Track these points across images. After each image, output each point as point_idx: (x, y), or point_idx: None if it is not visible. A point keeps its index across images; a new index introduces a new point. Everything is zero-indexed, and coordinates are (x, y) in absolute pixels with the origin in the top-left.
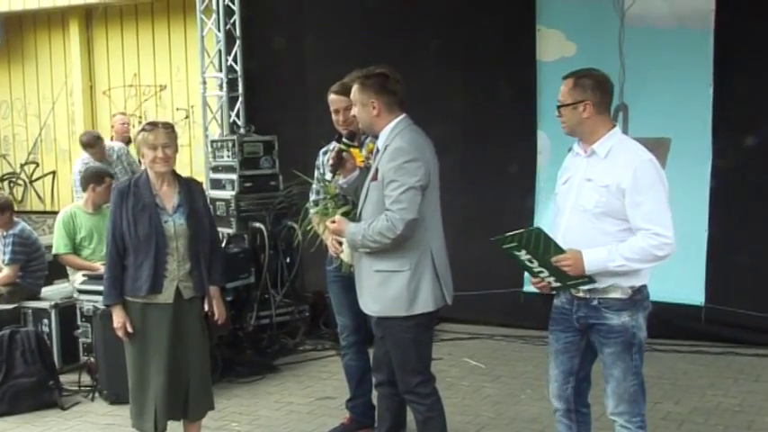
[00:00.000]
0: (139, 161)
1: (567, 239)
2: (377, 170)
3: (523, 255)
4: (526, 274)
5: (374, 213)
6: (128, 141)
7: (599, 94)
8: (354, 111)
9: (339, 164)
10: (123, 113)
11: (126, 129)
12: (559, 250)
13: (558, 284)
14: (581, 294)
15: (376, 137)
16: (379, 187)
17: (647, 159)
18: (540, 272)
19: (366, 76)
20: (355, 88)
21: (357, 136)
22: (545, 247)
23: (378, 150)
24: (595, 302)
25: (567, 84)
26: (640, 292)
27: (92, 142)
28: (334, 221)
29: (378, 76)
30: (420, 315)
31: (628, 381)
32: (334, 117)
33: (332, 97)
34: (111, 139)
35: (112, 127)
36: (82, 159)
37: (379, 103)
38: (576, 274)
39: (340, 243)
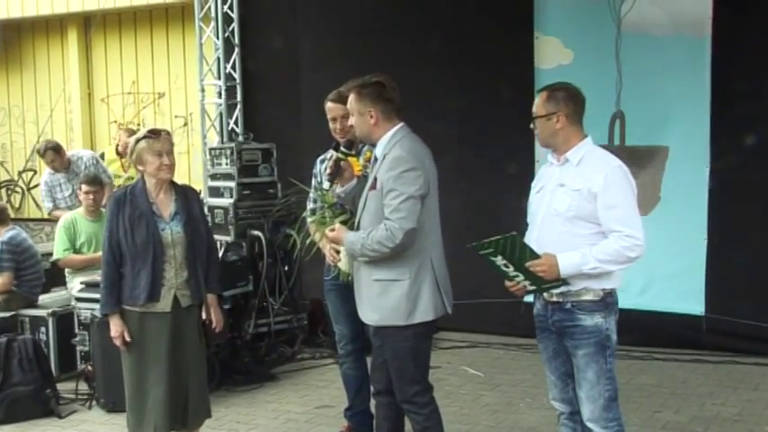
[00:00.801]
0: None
1: (540, 243)
2: (375, 179)
3: (500, 260)
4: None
5: (373, 222)
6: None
7: (571, 105)
8: (352, 120)
9: (337, 172)
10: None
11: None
12: (535, 255)
13: (534, 288)
14: (555, 299)
15: (373, 146)
16: (378, 196)
17: (617, 165)
18: (516, 276)
19: (363, 86)
20: (352, 97)
21: (355, 144)
22: (521, 252)
23: (376, 159)
24: (569, 305)
25: (541, 96)
26: (611, 294)
27: (41, 152)
28: (332, 230)
29: (374, 85)
30: (419, 324)
31: (602, 384)
32: (331, 125)
33: (329, 105)
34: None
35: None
36: (48, 170)
37: (376, 112)
38: (550, 278)
39: (338, 252)
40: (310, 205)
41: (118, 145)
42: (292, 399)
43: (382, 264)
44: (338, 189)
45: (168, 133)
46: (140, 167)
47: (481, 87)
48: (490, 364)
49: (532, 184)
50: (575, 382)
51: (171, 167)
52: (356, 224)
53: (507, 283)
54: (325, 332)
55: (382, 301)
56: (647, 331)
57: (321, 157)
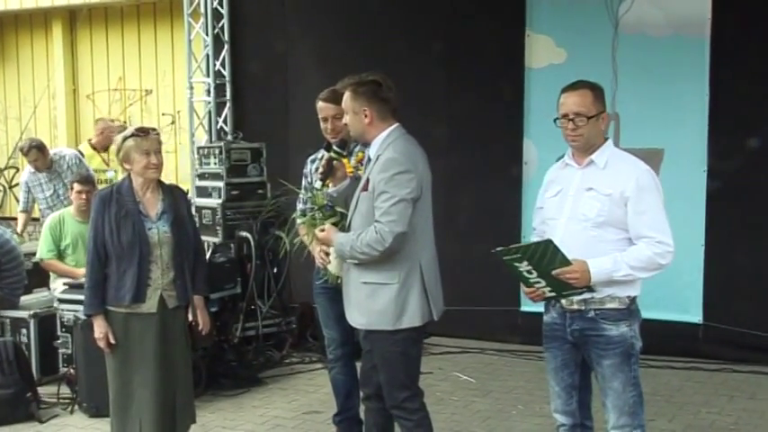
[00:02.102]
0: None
1: (564, 250)
2: (368, 180)
3: (524, 266)
4: (522, 293)
5: (363, 224)
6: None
7: (605, 105)
8: (346, 119)
9: (329, 172)
10: (108, 120)
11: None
12: (566, 262)
13: (553, 294)
14: (575, 307)
15: (367, 146)
16: (370, 198)
17: (647, 169)
18: (537, 282)
19: (358, 84)
20: (347, 95)
21: (347, 144)
22: (551, 258)
23: (369, 160)
24: (592, 314)
25: (585, 95)
26: (634, 302)
27: (24, 150)
28: (322, 230)
29: (370, 84)
30: (408, 329)
31: (627, 392)
32: (322, 125)
33: (320, 105)
34: (93, 146)
35: (101, 133)
36: (28, 168)
37: (371, 111)
38: (581, 285)
39: (327, 254)
40: (300, 206)
41: (91, 139)
42: (280, 404)
43: (371, 267)
44: (330, 189)
45: (157, 132)
46: (127, 166)
47: (470, 86)
48: (482, 370)
49: (543, 188)
50: (579, 394)
51: (159, 167)
52: (347, 225)
53: (525, 290)
54: (315, 336)
55: (370, 304)
56: (643, 338)
57: (312, 157)
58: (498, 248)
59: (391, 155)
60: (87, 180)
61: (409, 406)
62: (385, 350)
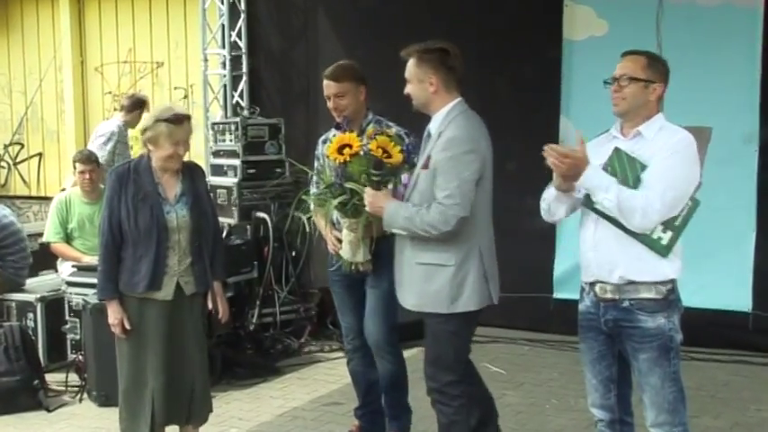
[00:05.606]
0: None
1: (605, 225)
2: (428, 157)
3: None
4: (555, 279)
5: (421, 203)
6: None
7: (667, 83)
8: (408, 88)
9: (385, 168)
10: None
11: None
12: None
13: None
14: (608, 296)
15: (422, 116)
16: (430, 176)
17: (686, 136)
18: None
19: (425, 50)
20: (412, 62)
21: (357, 122)
22: None
23: (429, 135)
24: (626, 304)
25: (638, 60)
26: (673, 290)
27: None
28: (372, 194)
29: (438, 51)
30: (462, 313)
31: (666, 388)
32: (328, 103)
33: (324, 82)
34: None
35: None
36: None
37: (437, 80)
38: (567, 173)
39: (339, 240)
40: (313, 189)
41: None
42: (299, 394)
43: (428, 247)
44: (404, 178)
45: (190, 119)
46: (151, 147)
47: (504, 59)
48: (513, 361)
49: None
50: (618, 388)
51: (182, 158)
52: (405, 201)
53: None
54: (335, 323)
55: (425, 285)
56: (686, 329)
57: (323, 137)
58: None
59: (455, 133)
60: (89, 159)
61: (451, 391)
62: (437, 329)
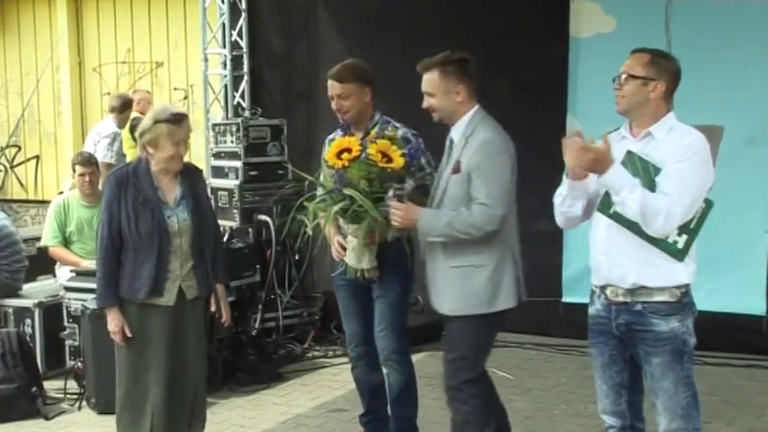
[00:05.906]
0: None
1: (616, 228)
2: (458, 162)
3: None
4: (564, 282)
5: (456, 207)
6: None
7: (673, 80)
8: (431, 101)
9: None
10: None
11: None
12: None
13: None
14: (620, 299)
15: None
16: (463, 180)
17: (699, 137)
18: None
19: (447, 62)
20: (436, 76)
21: (362, 124)
22: None
23: (452, 142)
24: (639, 307)
25: (640, 57)
26: (687, 293)
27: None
28: (400, 208)
29: (458, 62)
30: (500, 312)
31: (680, 393)
32: (332, 103)
33: (328, 82)
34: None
35: (137, 103)
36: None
37: (463, 89)
38: (589, 168)
39: (344, 248)
40: (320, 191)
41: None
42: (302, 401)
43: (460, 250)
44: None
45: (187, 118)
46: (151, 150)
47: (510, 57)
48: (521, 365)
49: None
50: (629, 393)
51: (183, 158)
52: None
53: None
54: (339, 328)
55: (463, 287)
56: (699, 333)
57: (330, 137)
58: None
59: (487, 135)
60: (89, 161)
61: (468, 389)
62: (470, 329)
